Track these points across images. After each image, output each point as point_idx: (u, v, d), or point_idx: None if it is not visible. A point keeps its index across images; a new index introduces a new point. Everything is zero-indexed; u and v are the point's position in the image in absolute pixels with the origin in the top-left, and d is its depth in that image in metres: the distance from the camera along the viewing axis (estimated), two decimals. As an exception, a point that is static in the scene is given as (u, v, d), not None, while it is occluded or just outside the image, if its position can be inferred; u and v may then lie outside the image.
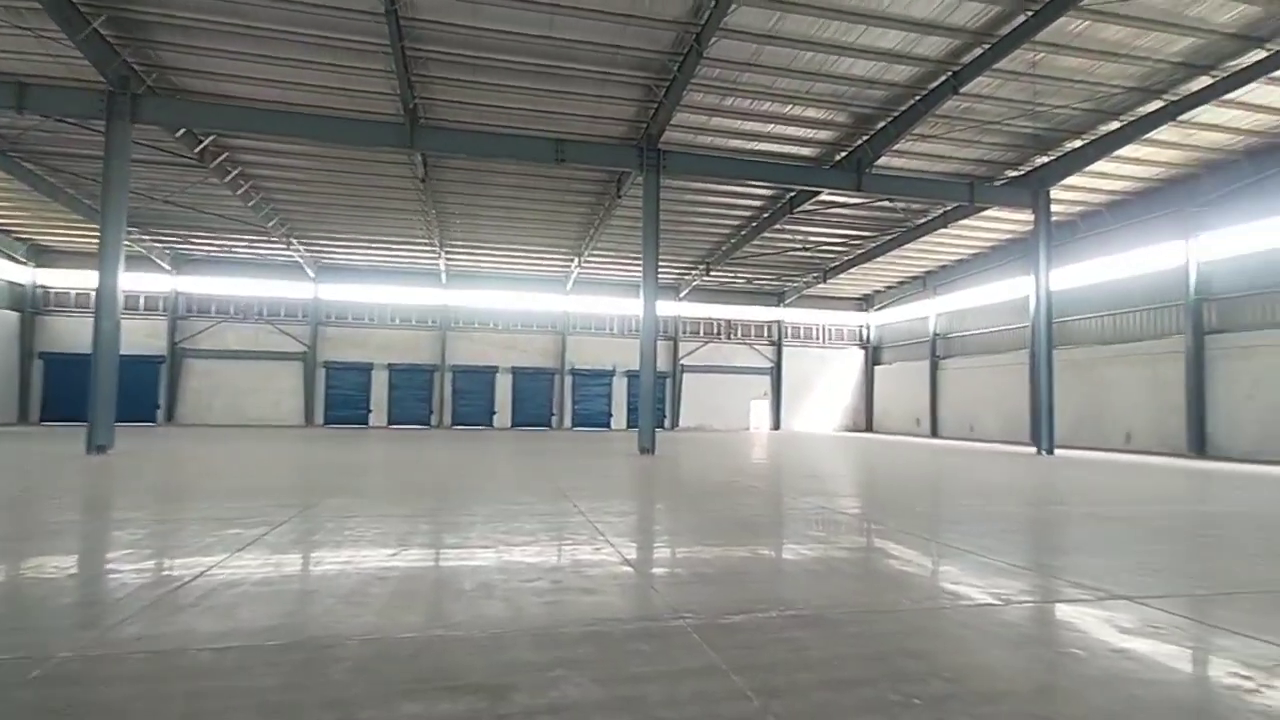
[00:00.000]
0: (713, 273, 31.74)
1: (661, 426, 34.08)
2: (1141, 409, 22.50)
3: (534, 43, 14.31)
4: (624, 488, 10.57)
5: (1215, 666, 3.29)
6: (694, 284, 33.68)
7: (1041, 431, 20.31)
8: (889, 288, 36.60)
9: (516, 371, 33.92)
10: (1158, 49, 14.48)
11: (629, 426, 33.64)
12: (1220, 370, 20.20)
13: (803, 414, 37.65)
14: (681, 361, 36.06)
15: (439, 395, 33.05)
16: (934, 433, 33.23)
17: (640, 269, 18.04)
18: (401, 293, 33.06)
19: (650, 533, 6.98)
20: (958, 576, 4.98)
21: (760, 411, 37.22)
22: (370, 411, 32.32)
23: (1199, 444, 20.28)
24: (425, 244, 28.24)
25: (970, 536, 6.54)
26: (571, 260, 30.47)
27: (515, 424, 33.50)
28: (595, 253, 29.04)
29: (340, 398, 32.06)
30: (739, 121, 17.78)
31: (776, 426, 36.92)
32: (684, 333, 36.39)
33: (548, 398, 34.31)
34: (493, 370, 33.69)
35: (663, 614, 3.88)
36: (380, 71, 15.21)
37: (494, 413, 33.52)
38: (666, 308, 34.62)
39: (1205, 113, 16.59)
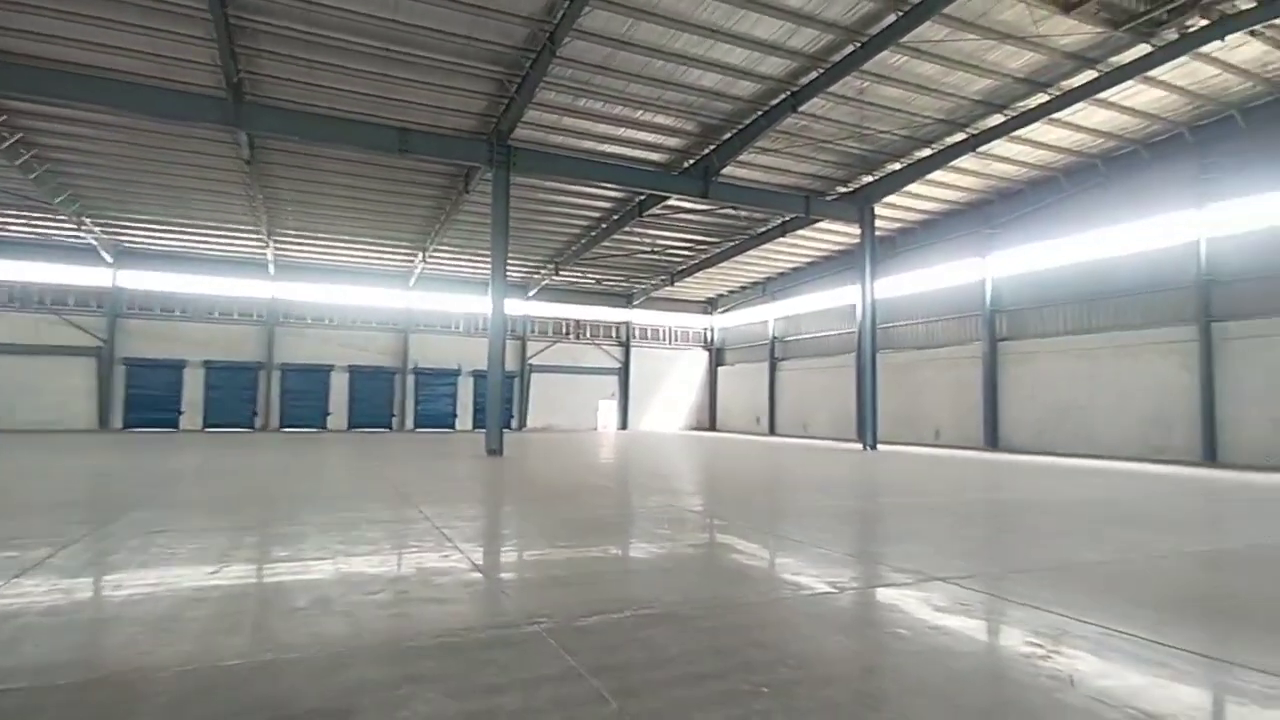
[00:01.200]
0: (562, 272, 31.68)
1: (509, 427, 33.51)
2: (948, 407, 25.24)
3: (377, 25, 13.50)
4: (472, 491, 10.25)
5: (1013, 637, 3.73)
6: (543, 283, 33.43)
7: (866, 429, 22.19)
8: (732, 292, 38.40)
9: (354, 370, 31.89)
10: (962, 87, 16.31)
11: (475, 427, 32.74)
12: (1009, 373, 23.13)
13: (650, 413, 38.55)
14: (530, 361, 35.68)
15: (265, 395, 30.32)
16: (772, 430, 35.29)
17: (489, 266, 17.62)
18: (221, 284, 29.89)
19: (500, 536, 6.80)
20: (798, 568, 5.29)
21: (608, 411, 37.66)
22: (182, 413, 28.97)
23: (993, 439, 23.10)
24: (251, 231, 25.80)
25: (807, 529, 6.99)
26: (416, 255, 29.14)
27: (352, 426, 31.48)
28: (441, 248, 27.99)
29: (145, 398, 28.44)
30: (592, 123, 17.86)
31: (624, 426, 37.54)
32: (532, 332, 36.03)
33: (388, 398, 32.57)
34: (327, 369, 31.43)
35: (516, 620, 3.78)
36: (200, 39, 13.65)
37: (328, 414, 31.28)
38: (515, 306, 34.11)
39: (998, 146, 18.93)
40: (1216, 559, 5.93)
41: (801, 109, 16.58)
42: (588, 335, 37.37)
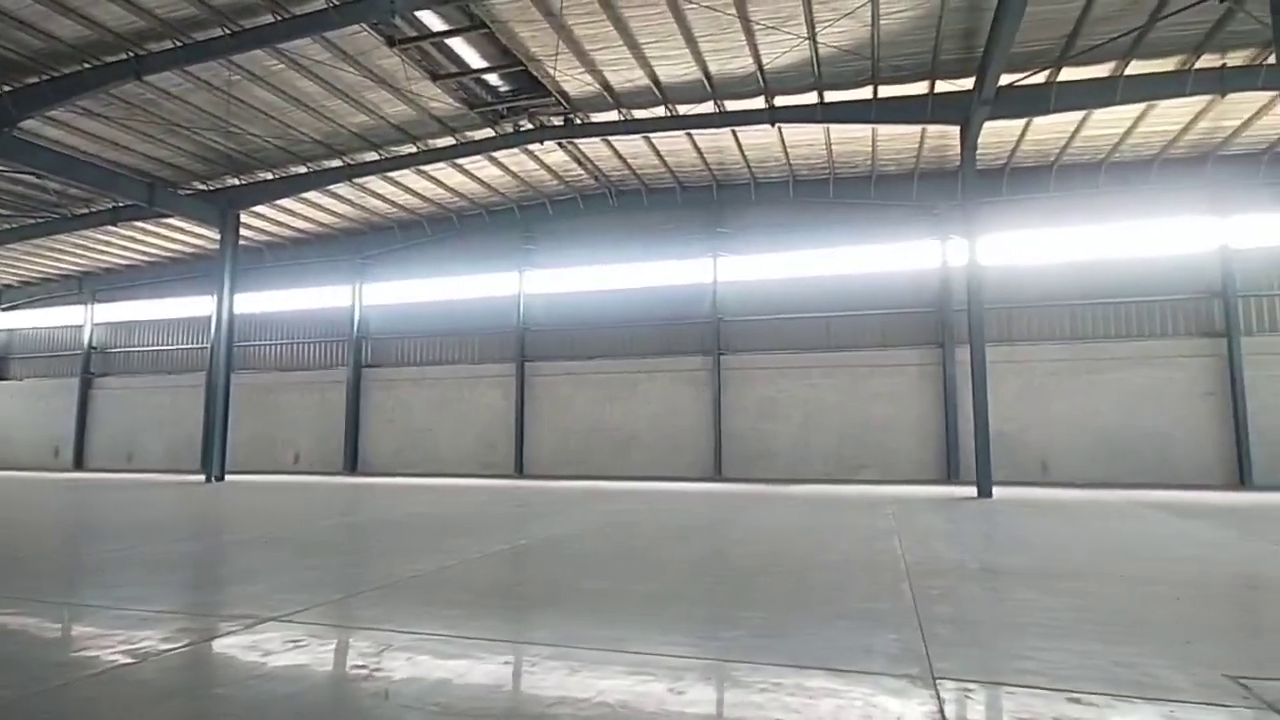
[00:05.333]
0: None
1: None
2: (310, 432, 24.74)
3: None
4: None
5: (341, 663, 3.68)
6: None
7: (213, 457, 19.79)
8: (27, 283, 29.52)
9: None
10: (342, 115, 16.56)
11: None
12: (373, 399, 24.20)
13: None
14: None
15: None
16: (80, 464, 28.21)
17: None
18: None
19: None
20: (89, 640, 4.15)
21: None
22: None
23: (353, 463, 23.64)
24: None
25: (112, 587, 5.64)
26: None
27: None
28: None
29: None
30: None
31: None
32: None
33: None
34: None
35: None
36: None
37: None
38: None
39: (374, 183, 19.91)
40: (516, 554, 7.26)
41: (149, 79, 14.08)
42: None
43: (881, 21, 13.22)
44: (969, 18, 13.16)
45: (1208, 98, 14.69)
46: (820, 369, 20.52)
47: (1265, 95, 14.17)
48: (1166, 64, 14.12)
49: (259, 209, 21.22)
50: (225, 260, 20.59)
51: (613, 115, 16.90)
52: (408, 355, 24.15)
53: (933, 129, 16.81)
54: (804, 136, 18.13)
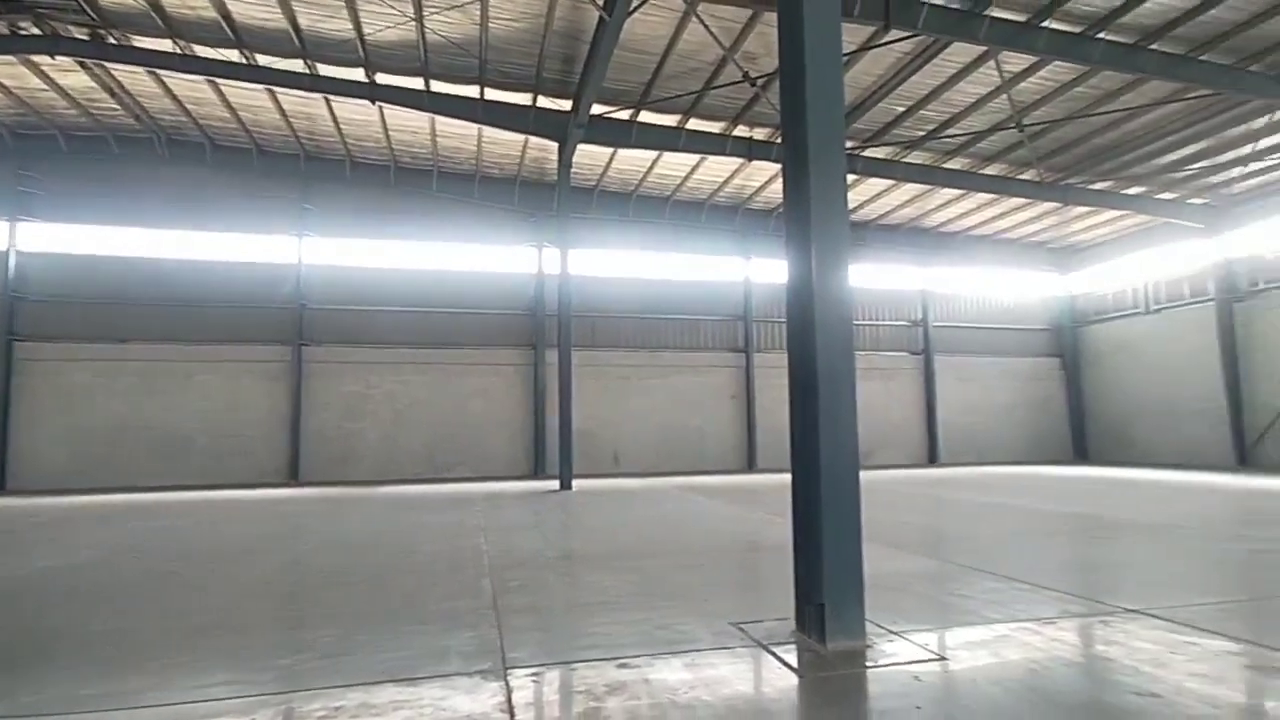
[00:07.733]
0: None
1: None
2: None
3: None
4: None
5: None
6: None
7: None
8: None
9: None
10: None
11: None
12: None
13: None
14: None
15: None
16: None
17: None
18: None
19: None
20: None
21: None
22: None
23: None
24: None
25: None
26: None
27: None
28: None
29: None
30: None
31: None
32: None
33: None
34: None
35: None
36: None
37: None
38: None
39: None
40: (-30, 601, 5.25)
41: None
42: None
43: (490, 25, 13.37)
44: (570, 45, 14.16)
45: (740, 160, 18.38)
46: (414, 365, 19.88)
47: (776, 166, 18.35)
48: (715, 126, 17.26)
49: None
50: None
51: (165, 44, 13.75)
52: None
53: (535, 141, 17.68)
54: (409, 122, 17.36)
